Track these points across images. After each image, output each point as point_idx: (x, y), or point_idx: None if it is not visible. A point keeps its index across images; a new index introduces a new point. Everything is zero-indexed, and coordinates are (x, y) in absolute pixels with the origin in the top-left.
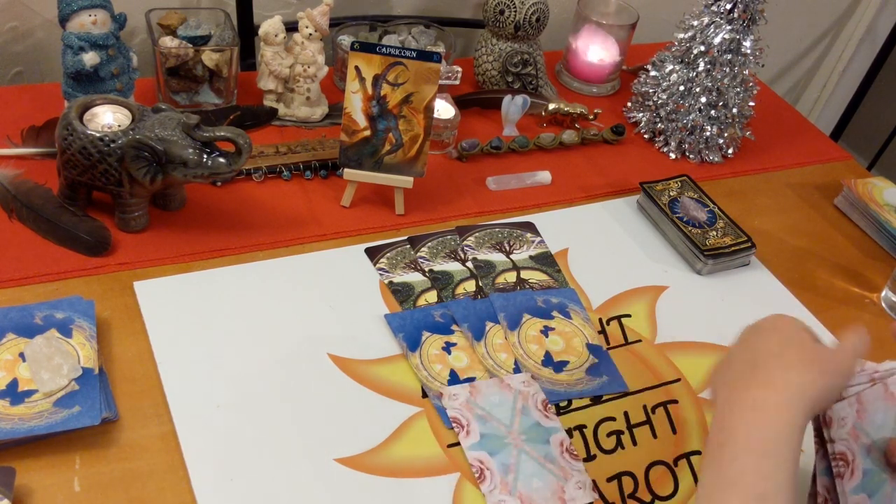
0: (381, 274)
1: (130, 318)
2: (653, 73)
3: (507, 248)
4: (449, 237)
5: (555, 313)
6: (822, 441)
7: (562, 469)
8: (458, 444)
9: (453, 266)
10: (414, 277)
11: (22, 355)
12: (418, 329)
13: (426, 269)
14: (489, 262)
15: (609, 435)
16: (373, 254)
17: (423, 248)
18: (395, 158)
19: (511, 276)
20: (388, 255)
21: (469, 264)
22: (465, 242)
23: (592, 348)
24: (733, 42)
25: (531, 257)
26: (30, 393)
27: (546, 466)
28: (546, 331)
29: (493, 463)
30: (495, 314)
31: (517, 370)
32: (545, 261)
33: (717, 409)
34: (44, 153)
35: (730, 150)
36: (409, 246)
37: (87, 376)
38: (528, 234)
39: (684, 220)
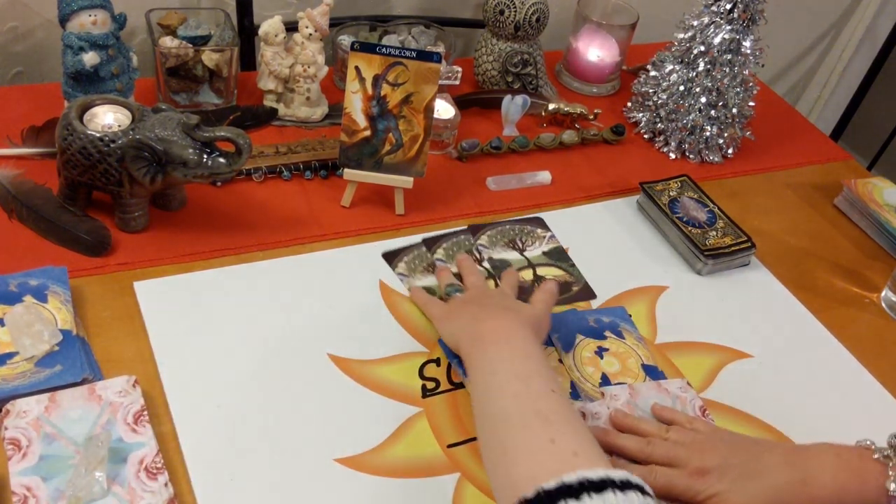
0: (401, 278)
1: (130, 318)
2: (653, 73)
3: (521, 246)
4: (462, 238)
5: (607, 333)
6: None
7: None
8: (458, 444)
9: None
10: (434, 281)
11: (1, 321)
12: None
13: None
14: (505, 260)
15: None
16: (390, 258)
17: (438, 250)
18: (395, 158)
19: (528, 274)
20: (406, 259)
21: (486, 264)
22: (479, 242)
23: (648, 369)
24: (733, 42)
25: (544, 253)
26: (11, 355)
27: None
28: (600, 352)
29: None
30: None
31: (575, 395)
32: (559, 256)
33: (466, 352)
34: (44, 153)
35: (730, 150)
36: (424, 249)
37: (66, 337)
38: (539, 230)
39: (684, 220)
